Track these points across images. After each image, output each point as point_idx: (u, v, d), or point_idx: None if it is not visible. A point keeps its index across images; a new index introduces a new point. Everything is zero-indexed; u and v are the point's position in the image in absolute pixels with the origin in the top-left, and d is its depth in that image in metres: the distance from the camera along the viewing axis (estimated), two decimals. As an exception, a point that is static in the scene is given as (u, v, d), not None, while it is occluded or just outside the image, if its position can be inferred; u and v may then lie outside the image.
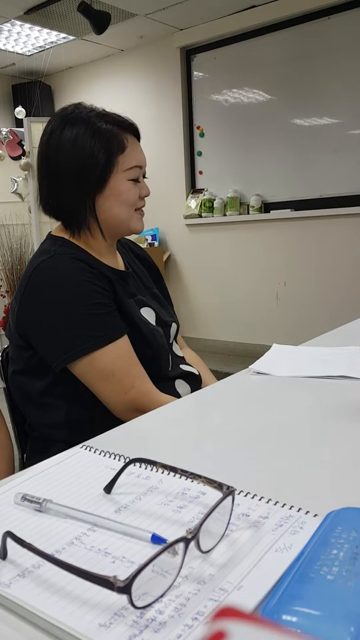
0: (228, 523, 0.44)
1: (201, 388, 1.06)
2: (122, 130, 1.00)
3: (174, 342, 1.16)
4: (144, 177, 1.06)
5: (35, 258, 0.98)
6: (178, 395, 1.03)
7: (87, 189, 0.98)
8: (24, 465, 1.11)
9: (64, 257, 0.96)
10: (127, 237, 1.20)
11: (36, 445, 1.05)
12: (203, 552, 0.41)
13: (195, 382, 1.10)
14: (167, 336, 1.11)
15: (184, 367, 1.10)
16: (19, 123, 4.58)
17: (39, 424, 1.02)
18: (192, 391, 1.06)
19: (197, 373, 1.12)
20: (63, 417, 0.98)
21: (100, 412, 0.95)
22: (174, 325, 1.14)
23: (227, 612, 0.17)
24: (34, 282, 0.95)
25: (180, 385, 1.07)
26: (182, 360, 1.14)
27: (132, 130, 1.03)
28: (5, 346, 1.12)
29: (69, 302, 0.93)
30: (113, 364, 0.93)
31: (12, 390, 1.08)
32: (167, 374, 1.05)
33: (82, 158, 0.97)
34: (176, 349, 1.15)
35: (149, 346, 1.01)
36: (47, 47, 4.60)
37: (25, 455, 1.12)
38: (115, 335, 0.93)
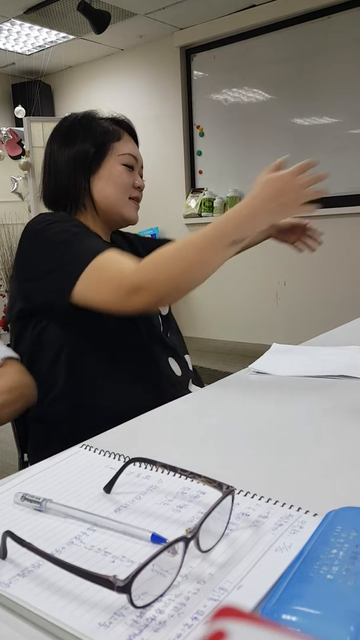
0: (228, 522, 0.44)
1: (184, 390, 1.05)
2: (119, 126, 1.08)
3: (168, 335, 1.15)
4: (140, 177, 1.11)
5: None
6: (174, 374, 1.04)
7: (82, 169, 1.04)
8: (24, 464, 1.11)
9: (60, 214, 1.04)
10: (132, 233, 1.21)
11: (38, 439, 1.04)
12: (203, 552, 0.41)
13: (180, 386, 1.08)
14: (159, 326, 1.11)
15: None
16: (18, 122, 4.58)
17: (41, 414, 1.01)
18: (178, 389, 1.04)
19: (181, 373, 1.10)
20: (69, 410, 0.97)
21: (105, 405, 0.95)
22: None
23: (227, 612, 0.17)
24: (26, 232, 0.98)
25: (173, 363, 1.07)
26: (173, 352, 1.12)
27: (128, 128, 1.10)
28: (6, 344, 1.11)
29: (61, 232, 0.95)
30: (102, 265, 0.90)
31: None
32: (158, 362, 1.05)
33: (79, 145, 1.04)
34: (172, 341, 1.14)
35: (139, 333, 1.02)
36: (47, 46, 4.60)
37: (25, 454, 1.11)
38: (101, 250, 0.91)
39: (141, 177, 1.11)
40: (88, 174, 1.04)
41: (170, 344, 1.10)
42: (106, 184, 1.04)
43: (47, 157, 1.08)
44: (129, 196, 1.07)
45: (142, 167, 1.11)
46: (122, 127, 1.08)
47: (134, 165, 1.08)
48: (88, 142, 1.04)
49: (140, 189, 1.09)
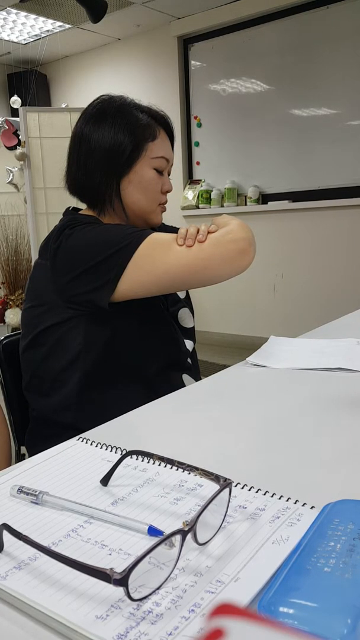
0: (225, 515, 0.44)
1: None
2: (156, 122, 1.04)
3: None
4: (168, 174, 1.08)
5: (61, 222, 1.00)
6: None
7: (114, 169, 1.00)
8: (21, 456, 1.11)
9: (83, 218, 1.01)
10: None
11: (38, 434, 1.04)
12: (200, 544, 0.41)
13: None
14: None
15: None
16: (14, 112, 4.53)
17: (44, 406, 1.01)
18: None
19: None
20: (74, 399, 0.97)
21: (110, 399, 0.95)
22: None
23: (225, 609, 0.16)
24: (67, 231, 0.95)
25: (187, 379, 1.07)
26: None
27: (165, 124, 1.06)
28: (2, 337, 1.11)
29: (103, 230, 0.95)
30: (158, 237, 0.93)
31: (23, 368, 1.05)
32: (183, 363, 1.07)
33: (114, 139, 0.99)
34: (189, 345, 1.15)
35: (171, 327, 1.03)
36: (43, 35, 4.55)
37: (22, 447, 1.11)
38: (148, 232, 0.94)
39: (169, 174, 1.07)
40: (119, 176, 1.00)
41: (189, 364, 1.10)
42: (136, 190, 1.01)
43: (77, 143, 1.01)
44: (158, 203, 1.05)
45: (171, 165, 1.08)
46: (159, 124, 1.04)
47: (165, 168, 1.05)
48: (122, 134, 0.98)
49: (168, 192, 1.06)
